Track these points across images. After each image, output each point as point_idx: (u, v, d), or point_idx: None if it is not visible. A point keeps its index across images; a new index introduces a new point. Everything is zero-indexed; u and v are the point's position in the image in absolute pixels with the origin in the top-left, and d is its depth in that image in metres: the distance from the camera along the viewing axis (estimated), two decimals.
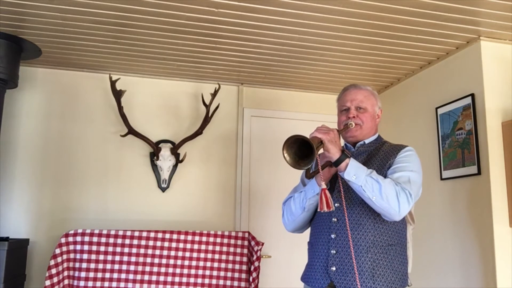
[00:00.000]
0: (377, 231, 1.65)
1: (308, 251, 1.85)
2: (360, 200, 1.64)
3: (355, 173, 1.55)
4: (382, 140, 1.86)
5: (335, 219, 1.69)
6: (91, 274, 2.67)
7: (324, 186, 1.56)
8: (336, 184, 1.73)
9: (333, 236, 1.68)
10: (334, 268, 1.64)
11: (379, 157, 1.74)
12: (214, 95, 3.21)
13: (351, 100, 1.81)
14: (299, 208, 1.76)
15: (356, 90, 1.84)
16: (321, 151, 1.61)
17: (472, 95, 2.58)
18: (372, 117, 1.82)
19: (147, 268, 2.73)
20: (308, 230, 1.90)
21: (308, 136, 1.53)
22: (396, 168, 1.66)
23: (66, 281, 2.63)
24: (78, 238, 2.68)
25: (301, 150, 1.51)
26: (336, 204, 1.69)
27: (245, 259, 2.86)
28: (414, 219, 1.78)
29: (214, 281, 2.79)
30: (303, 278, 1.81)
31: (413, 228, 1.80)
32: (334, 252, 1.66)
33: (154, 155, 3.16)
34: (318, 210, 1.58)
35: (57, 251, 2.60)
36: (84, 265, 2.67)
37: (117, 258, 2.71)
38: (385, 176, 1.64)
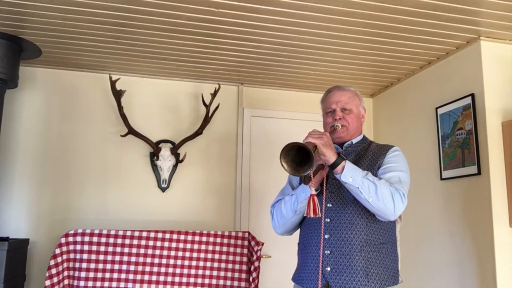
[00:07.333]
0: (369, 230, 1.66)
1: (298, 252, 1.86)
2: (352, 200, 1.66)
3: (352, 175, 1.55)
4: (368, 140, 1.89)
5: (328, 220, 1.69)
6: (91, 274, 2.67)
7: (313, 192, 1.58)
8: (327, 185, 1.73)
9: (327, 236, 1.68)
10: (329, 269, 1.65)
11: (368, 157, 1.76)
12: (214, 95, 3.21)
13: (336, 102, 1.83)
14: (290, 211, 1.75)
15: (341, 92, 1.86)
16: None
17: (472, 95, 2.59)
18: (357, 118, 1.85)
19: (147, 268, 2.73)
20: (297, 232, 1.90)
21: (302, 142, 1.52)
22: (387, 168, 1.69)
23: (66, 281, 2.63)
24: (78, 238, 2.68)
25: (298, 157, 1.50)
26: (328, 205, 1.70)
27: (245, 259, 2.86)
28: (402, 217, 1.80)
29: (214, 281, 2.79)
30: (295, 279, 1.81)
31: (401, 225, 1.82)
32: (329, 252, 1.66)
33: (154, 155, 3.16)
34: (305, 215, 1.60)
35: (57, 251, 2.60)
36: (84, 265, 2.67)
37: (117, 258, 2.71)
38: (375, 176, 1.65)
